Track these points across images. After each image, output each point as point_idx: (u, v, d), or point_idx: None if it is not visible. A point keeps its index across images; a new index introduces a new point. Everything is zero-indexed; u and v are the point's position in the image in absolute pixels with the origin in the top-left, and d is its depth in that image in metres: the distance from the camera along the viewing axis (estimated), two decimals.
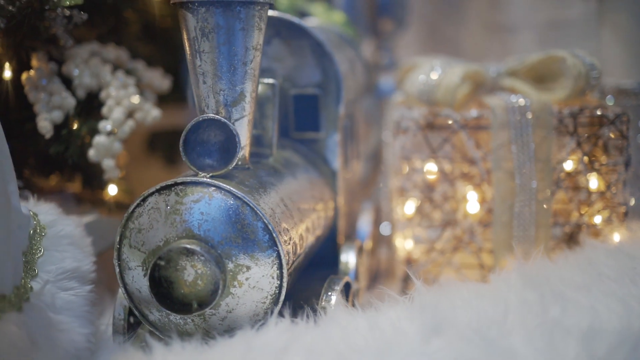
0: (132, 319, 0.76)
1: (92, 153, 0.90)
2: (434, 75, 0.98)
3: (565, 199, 0.96)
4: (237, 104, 0.72)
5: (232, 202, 0.67)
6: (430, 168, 0.97)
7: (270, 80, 0.82)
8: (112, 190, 1.02)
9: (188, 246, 0.65)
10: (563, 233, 0.96)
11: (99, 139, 0.89)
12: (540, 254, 0.81)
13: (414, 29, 1.64)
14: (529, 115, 0.94)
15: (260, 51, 0.73)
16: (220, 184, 0.67)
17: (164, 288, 0.67)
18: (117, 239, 0.70)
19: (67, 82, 0.94)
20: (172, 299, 0.67)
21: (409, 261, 0.99)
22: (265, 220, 0.67)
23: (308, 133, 0.93)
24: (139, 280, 0.69)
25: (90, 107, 0.95)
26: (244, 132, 0.73)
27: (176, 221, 0.67)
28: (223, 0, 0.69)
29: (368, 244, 1.00)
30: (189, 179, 0.68)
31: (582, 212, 0.96)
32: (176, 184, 0.68)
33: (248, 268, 0.67)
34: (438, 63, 1.00)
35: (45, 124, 0.88)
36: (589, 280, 0.72)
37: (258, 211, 0.67)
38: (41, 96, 0.90)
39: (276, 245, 0.67)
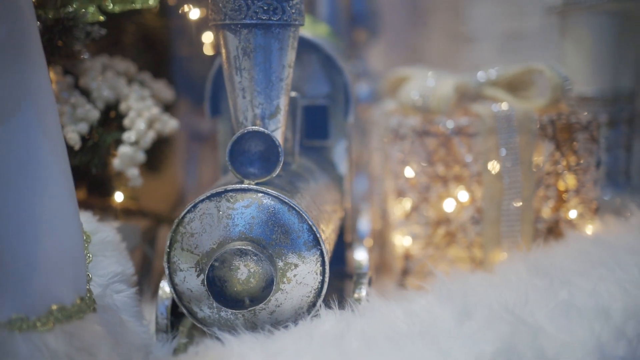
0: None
1: (116, 163, 0.95)
2: (428, 86, 1.08)
3: (545, 196, 1.07)
4: (274, 116, 0.79)
5: (280, 207, 0.74)
6: (409, 173, 1.05)
7: (293, 94, 0.89)
8: (119, 197, 1.07)
9: (242, 247, 0.72)
10: (544, 227, 1.08)
11: (124, 149, 0.94)
12: (538, 246, 0.91)
13: (382, 38, 1.73)
14: (514, 122, 1.05)
15: (292, 67, 0.80)
16: (268, 190, 0.74)
17: (217, 287, 0.73)
18: (168, 243, 0.76)
19: (85, 95, 0.98)
20: (225, 297, 0.73)
21: (407, 256, 1.08)
22: (310, 222, 0.74)
23: (317, 141, 1.01)
24: (191, 281, 0.75)
25: (108, 118, 0.99)
26: (280, 142, 0.79)
27: (229, 225, 0.74)
28: (264, 23, 0.76)
29: (369, 242, 1.08)
30: (238, 186, 0.75)
31: (560, 208, 1.07)
32: (226, 191, 0.75)
33: (296, 266, 0.74)
34: (431, 74, 1.09)
35: (73, 136, 0.92)
36: (584, 267, 0.83)
37: (303, 214, 0.74)
38: (66, 109, 0.94)
39: (319, 244, 0.75)
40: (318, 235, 0.74)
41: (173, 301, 0.81)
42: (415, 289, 0.96)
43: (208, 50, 1.25)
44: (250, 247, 0.72)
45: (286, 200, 0.74)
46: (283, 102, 0.80)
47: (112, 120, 0.99)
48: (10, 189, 0.61)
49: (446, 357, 0.61)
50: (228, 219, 0.74)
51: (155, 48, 1.25)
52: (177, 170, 1.31)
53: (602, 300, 0.72)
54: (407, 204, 1.07)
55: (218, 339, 0.71)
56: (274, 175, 0.76)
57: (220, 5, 0.76)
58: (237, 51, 0.77)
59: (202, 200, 0.75)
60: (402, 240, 1.08)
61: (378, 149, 1.22)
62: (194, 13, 1.20)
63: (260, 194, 0.75)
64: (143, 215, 1.11)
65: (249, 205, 0.74)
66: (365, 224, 1.09)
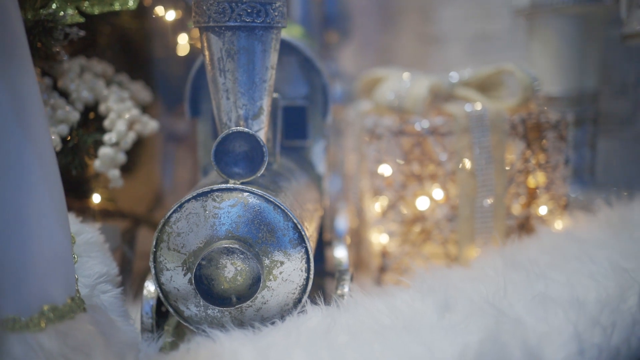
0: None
1: (97, 164, 0.95)
2: (404, 87, 1.10)
3: (516, 193, 1.11)
4: (257, 117, 0.81)
5: (265, 206, 0.76)
6: (386, 172, 1.08)
7: (274, 95, 0.91)
8: (97, 198, 1.07)
9: (230, 246, 0.73)
10: (515, 223, 1.11)
11: (104, 151, 0.95)
12: (512, 241, 0.94)
13: (353, 39, 1.75)
14: (487, 122, 1.08)
15: (274, 69, 0.81)
16: (254, 189, 0.76)
17: (204, 285, 0.74)
18: (154, 243, 0.77)
19: (64, 97, 0.98)
20: (212, 295, 0.74)
21: (384, 253, 1.10)
22: (295, 220, 0.76)
23: (296, 141, 1.02)
24: (178, 280, 0.76)
25: (87, 119, 0.99)
26: (264, 142, 0.81)
27: (216, 224, 0.75)
28: (247, 25, 0.77)
29: (347, 240, 1.11)
30: (224, 185, 0.76)
31: (530, 204, 1.11)
32: (212, 190, 0.76)
33: (282, 263, 0.76)
34: (406, 76, 1.12)
35: (53, 138, 0.92)
36: (557, 261, 0.86)
37: (289, 213, 0.76)
38: (45, 111, 0.93)
39: (304, 242, 0.76)
40: (303, 233, 0.76)
41: (157, 300, 0.81)
42: (393, 285, 0.99)
43: (182, 52, 1.26)
44: (237, 246, 0.73)
45: (272, 199, 0.76)
46: (266, 103, 0.81)
47: (91, 121, 0.99)
48: None
49: (431, 349, 0.63)
50: (215, 218, 0.75)
51: (130, 49, 1.25)
52: (153, 171, 1.31)
53: (576, 291, 0.75)
54: (383, 202, 1.09)
55: (207, 336, 0.72)
56: (259, 175, 0.77)
57: (204, 7, 0.77)
58: (221, 53, 0.78)
59: (188, 200, 0.76)
60: (378, 238, 1.11)
61: (354, 149, 1.24)
62: (169, 15, 1.21)
63: (246, 193, 0.76)
64: (122, 217, 1.12)
65: (235, 204, 0.75)
66: (342, 222, 1.11)
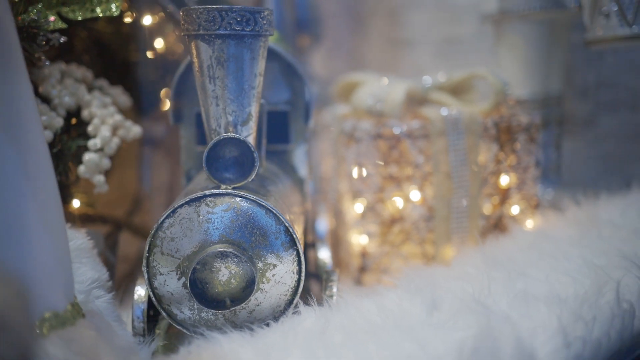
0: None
1: (82, 169, 0.95)
2: (382, 92, 1.13)
3: (490, 194, 1.15)
4: (246, 123, 0.82)
5: (258, 210, 0.77)
6: (364, 175, 1.11)
7: (261, 101, 0.93)
8: (76, 203, 1.07)
9: (224, 250, 0.75)
10: (488, 223, 1.15)
11: (89, 156, 0.95)
12: (490, 240, 0.98)
13: (323, 43, 1.78)
14: (461, 125, 1.12)
15: (262, 76, 0.83)
16: (246, 194, 0.77)
17: (199, 288, 0.76)
18: (147, 248, 0.78)
19: (45, 102, 0.98)
20: (206, 298, 0.76)
21: (364, 254, 1.13)
22: (286, 224, 0.78)
23: (278, 145, 1.04)
24: (172, 284, 0.78)
25: (70, 125, 0.99)
26: (254, 148, 0.83)
27: (209, 229, 0.77)
28: (237, 34, 0.78)
29: (330, 241, 1.13)
30: (216, 191, 0.77)
31: (503, 204, 1.15)
32: (205, 195, 0.77)
33: (274, 266, 0.78)
34: (384, 81, 1.15)
35: None
36: (534, 259, 0.90)
37: (280, 217, 0.78)
38: None
39: (296, 245, 0.78)
40: (294, 236, 0.78)
41: (147, 305, 0.82)
42: (378, 285, 1.01)
43: (158, 56, 1.26)
44: (231, 250, 0.75)
45: (264, 204, 0.78)
46: (254, 109, 0.83)
47: (74, 127, 0.99)
48: None
49: (423, 346, 0.66)
50: (208, 222, 0.77)
51: (106, 54, 1.25)
52: (130, 175, 1.31)
53: (555, 288, 0.79)
54: (362, 204, 1.12)
55: (204, 338, 0.73)
56: (250, 180, 0.79)
57: (194, 16, 0.79)
58: (210, 60, 0.80)
59: (181, 206, 0.78)
60: (358, 239, 1.13)
61: (331, 152, 1.27)
62: (146, 19, 1.21)
63: (239, 198, 0.78)
64: (103, 222, 1.12)
65: (227, 209, 0.77)
66: (323, 224, 1.14)
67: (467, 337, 0.62)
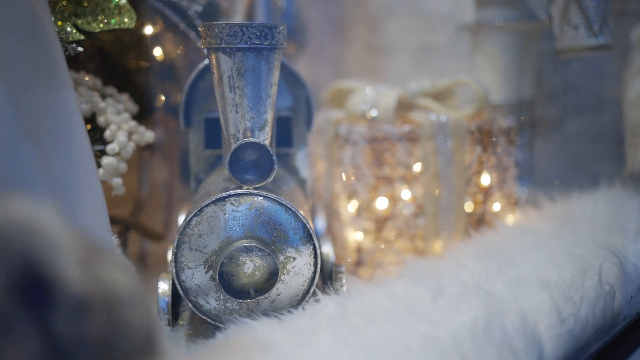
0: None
1: (101, 173, 1.01)
2: (374, 98, 1.22)
3: (474, 192, 1.24)
4: (263, 128, 0.90)
5: (278, 208, 0.85)
6: (359, 175, 1.20)
7: None
8: None
9: (249, 245, 0.82)
10: (473, 219, 1.24)
11: (108, 160, 1.01)
12: (480, 234, 1.07)
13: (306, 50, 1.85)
14: (448, 129, 1.21)
15: (277, 85, 0.91)
16: (267, 194, 0.85)
17: (225, 280, 0.83)
18: (175, 244, 0.84)
19: None
20: (232, 289, 0.83)
21: (359, 249, 1.21)
22: (304, 220, 0.85)
23: (282, 148, 1.11)
24: (200, 277, 0.85)
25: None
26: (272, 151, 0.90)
27: (235, 225, 0.84)
28: (256, 47, 0.86)
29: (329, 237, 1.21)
30: (240, 191, 0.85)
31: (486, 202, 1.25)
32: (230, 195, 0.84)
33: (294, 259, 0.85)
34: (378, 88, 1.23)
35: None
36: (521, 250, 1.00)
37: (298, 214, 0.85)
38: None
39: (312, 239, 0.86)
40: (311, 231, 0.86)
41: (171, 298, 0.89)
42: (367, 279, 1.10)
43: (156, 64, 1.32)
44: (255, 244, 0.82)
45: (283, 202, 0.85)
46: (270, 116, 0.90)
47: (89, 132, 1.05)
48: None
49: (435, 327, 0.74)
50: (234, 220, 0.84)
51: (108, 61, 1.30)
52: (130, 177, 1.36)
53: (542, 275, 0.88)
54: (357, 203, 1.20)
55: (233, 325, 0.80)
56: (269, 181, 0.86)
57: (216, 30, 0.86)
58: (231, 71, 0.87)
59: (208, 205, 0.84)
60: (354, 235, 1.21)
61: (323, 155, 1.35)
62: (147, 29, 1.28)
63: (260, 198, 0.85)
64: (112, 222, 1.17)
65: (251, 207, 0.84)
66: (321, 221, 1.21)
67: (476, 316, 0.70)
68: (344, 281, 0.92)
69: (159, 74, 1.35)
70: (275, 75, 0.89)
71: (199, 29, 0.90)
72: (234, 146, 0.86)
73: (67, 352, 0.36)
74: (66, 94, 0.72)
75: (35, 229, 0.37)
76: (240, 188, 0.86)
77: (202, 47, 0.89)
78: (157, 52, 1.33)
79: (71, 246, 0.39)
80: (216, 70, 0.88)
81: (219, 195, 0.85)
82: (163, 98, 1.30)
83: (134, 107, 1.18)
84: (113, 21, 1.04)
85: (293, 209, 0.85)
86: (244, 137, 0.88)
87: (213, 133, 1.09)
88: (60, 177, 0.68)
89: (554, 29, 1.40)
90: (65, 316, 0.36)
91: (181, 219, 1.14)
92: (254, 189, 0.86)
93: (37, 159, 0.67)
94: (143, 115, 1.40)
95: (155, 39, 1.31)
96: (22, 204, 0.39)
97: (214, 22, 0.87)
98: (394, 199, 1.21)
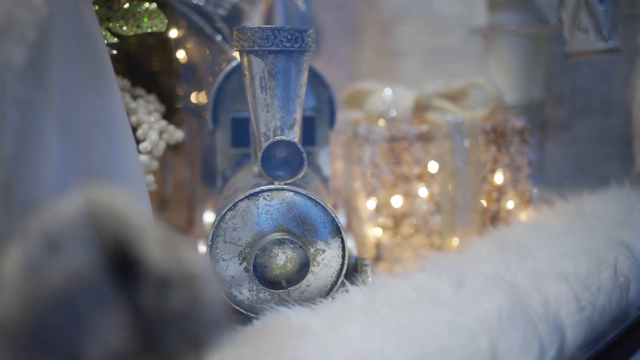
0: None
1: None
2: (392, 99, 1.26)
3: (489, 190, 1.29)
4: (292, 127, 0.94)
5: (309, 203, 0.89)
6: (379, 173, 1.24)
7: None
8: None
9: (282, 237, 0.86)
10: (488, 216, 1.29)
11: (141, 158, 1.05)
12: (498, 230, 1.11)
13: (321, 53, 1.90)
14: (464, 129, 1.25)
15: (305, 86, 0.95)
16: (298, 189, 0.89)
17: (258, 272, 0.87)
18: (210, 237, 0.89)
19: None
20: (265, 280, 0.87)
21: (378, 245, 1.26)
22: (332, 214, 0.90)
23: (305, 147, 1.15)
24: (234, 268, 0.89)
25: None
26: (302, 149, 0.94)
27: (268, 219, 0.88)
28: (287, 50, 0.90)
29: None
30: (272, 187, 0.89)
31: (500, 199, 1.29)
32: (262, 191, 0.89)
33: (323, 251, 0.89)
34: (397, 89, 1.28)
35: None
36: (536, 244, 1.04)
37: (327, 208, 0.90)
38: None
39: (340, 233, 0.90)
40: (339, 225, 0.90)
41: None
42: (387, 272, 1.14)
43: (180, 65, 1.37)
44: (288, 237, 0.86)
45: (313, 197, 0.89)
46: (299, 115, 0.95)
47: None
48: None
49: (460, 315, 0.79)
50: (267, 214, 0.88)
51: (133, 63, 1.35)
52: (155, 176, 1.41)
53: (559, 267, 0.93)
54: (376, 200, 1.25)
55: (268, 313, 0.85)
56: (299, 177, 0.91)
57: (249, 34, 0.90)
58: (263, 73, 0.91)
59: (242, 200, 0.89)
60: (373, 232, 1.26)
61: (341, 154, 1.39)
62: (172, 32, 1.32)
63: (291, 193, 0.89)
64: None
65: (282, 202, 0.89)
66: (341, 217, 1.26)
67: (501, 305, 0.74)
68: (369, 273, 0.97)
69: (183, 76, 1.39)
70: (304, 77, 0.94)
71: (233, 32, 0.94)
72: (265, 144, 0.90)
73: (153, 324, 0.40)
74: (113, 95, 0.76)
75: (124, 215, 0.41)
76: (272, 184, 0.90)
77: (235, 49, 0.93)
78: (181, 54, 1.37)
79: (152, 229, 0.43)
80: (248, 72, 0.93)
81: (253, 191, 0.89)
82: (190, 99, 1.35)
83: (161, 108, 1.22)
84: (144, 25, 1.08)
85: (322, 203, 0.89)
86: (274, 136, 0.93)
87: (239, 132, 1.13)
88: (113, 175, 0.72)
89: (564, 33, 1.44)
90: (152, 292, 0.41)
91: (207, 216, 1.18)
92: (285, 184, 0.90)
93: (87, 158, 0.72)
94: (168, 116, 1.44)
95: (180, 42, 1.35)
96: (108, 192, 0.43)
97: (247, 26, 0.91)
98: (411, 196, 1.25)
